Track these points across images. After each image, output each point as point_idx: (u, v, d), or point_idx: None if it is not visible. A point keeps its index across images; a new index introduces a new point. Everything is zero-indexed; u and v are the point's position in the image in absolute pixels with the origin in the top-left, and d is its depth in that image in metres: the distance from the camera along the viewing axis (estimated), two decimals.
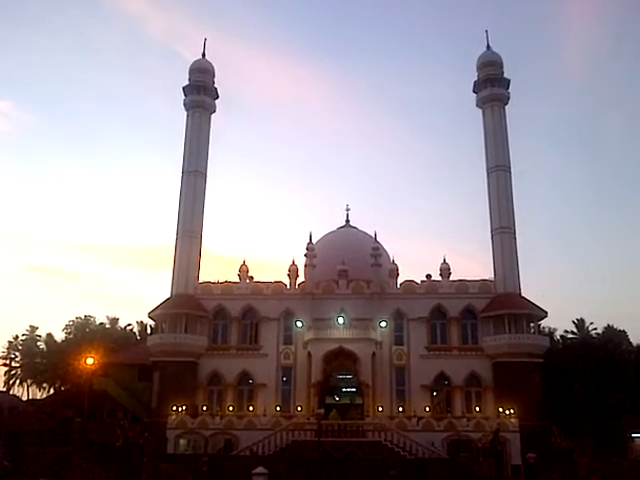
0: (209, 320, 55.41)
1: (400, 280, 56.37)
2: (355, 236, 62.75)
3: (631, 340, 73.45)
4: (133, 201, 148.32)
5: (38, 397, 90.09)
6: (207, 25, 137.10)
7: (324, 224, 72.71)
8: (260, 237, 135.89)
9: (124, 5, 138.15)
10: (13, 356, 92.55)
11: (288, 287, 56.35)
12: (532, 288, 57.52)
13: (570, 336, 76.88)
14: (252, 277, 58.11)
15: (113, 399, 60.05)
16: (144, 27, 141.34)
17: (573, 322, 78.11)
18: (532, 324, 54.02)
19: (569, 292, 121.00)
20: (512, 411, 47.60)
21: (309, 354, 51.21)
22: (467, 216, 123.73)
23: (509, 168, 58.34)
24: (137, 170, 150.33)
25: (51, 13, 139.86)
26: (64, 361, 75.22)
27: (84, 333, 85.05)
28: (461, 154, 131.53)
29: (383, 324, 52.48)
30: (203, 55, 64.10)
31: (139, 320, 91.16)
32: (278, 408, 51.35)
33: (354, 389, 50.84)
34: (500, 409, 48.75)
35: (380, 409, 49.34)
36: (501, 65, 61.19)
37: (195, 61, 63.83)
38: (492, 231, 56.92)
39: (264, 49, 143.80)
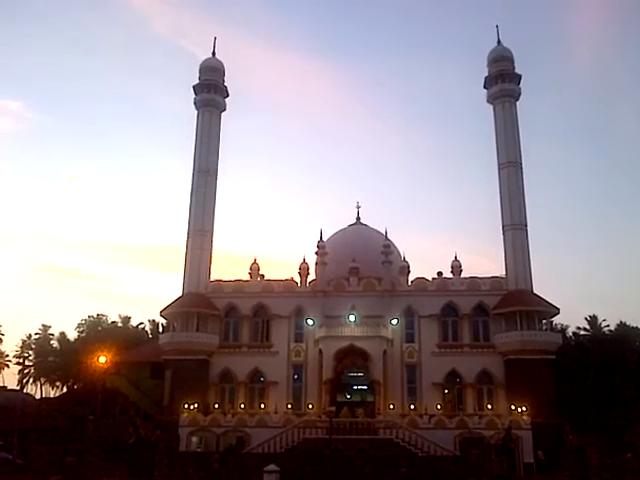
0: (220, 318, 55.54)
1: (411, 277, 56.35)
2: (366, 233, 62.63)
3: None
4: (144, 200, 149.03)
5: (51, 395, 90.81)
6: (215, 22, 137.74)
7: (335, 222, 72.94)
8: (271, 235, 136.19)
9: (132, 3, 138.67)
10: (26, 355, 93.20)
11: (299, 285, 56.35)
12: (544, 285, 57.30)
13: (582, 333, 76.56)
14: (263, 275, 58.12)
15: (125, 397, 60.32)
16: (153, 25, 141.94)
17: (585, 319, 77.85)
18: (544, 321, 53.69)
19: (581, 289, 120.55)
20: (524, 408, 47.34)
21: (320, 352, 51.21)
22: (478, 213, 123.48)
23: (520, 164, 57.99)
24: (148, 169, 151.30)
25: (59, 13, 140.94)
26: (77, 360, 75.67)
27: (96, 332, 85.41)
28: (472, 150, 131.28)
29: (394, 321, 52.34)
30: (213, 54, 64.24)
31: (151, 319, 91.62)
32: (289, 406, 51.43)
33: (365, 387, 50.77)
34: (512, 406, 48.51)
35: (391, 407, 49.27)
36: (512, 60, 60.76)
37: (205, 60, 63.97)
38: (503, 227, 56.62)
39: (272, 46, 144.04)
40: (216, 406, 52.15)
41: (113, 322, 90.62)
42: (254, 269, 58.13)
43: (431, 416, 48.14)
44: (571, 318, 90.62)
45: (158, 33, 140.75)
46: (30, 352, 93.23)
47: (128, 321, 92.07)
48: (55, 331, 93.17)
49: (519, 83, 60.01)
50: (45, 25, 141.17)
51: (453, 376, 52.55)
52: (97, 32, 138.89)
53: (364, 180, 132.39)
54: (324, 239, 57.44)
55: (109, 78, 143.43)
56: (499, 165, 58.39)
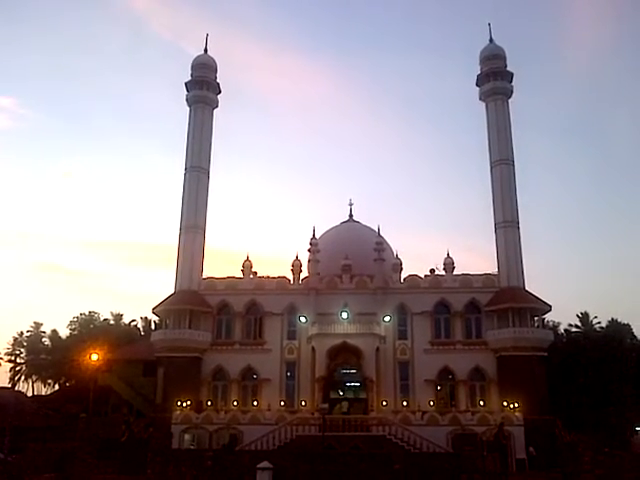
0: (213, 315, 55.45)
1: (404, 275, 56.41)
2: (358, 231, 62.69)
3: (635, 334, 73.47)
4: (137, 197, 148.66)
5: (43, 393, 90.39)
6: (210, 20, 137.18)
7: (327, 219, 72.90)
8: (264, 232, 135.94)
9: (130, 2, 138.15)
10: (18, 352, 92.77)
11: (292, 282, 56.34)
12: (536, 282, 57.41)
13: (574, 330, 76.86)
14: (256, 272, 58.09)
15: (118, 395, 60.22)
16: (148, 23, 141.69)
17: (577, 316, 78.14)
18: (536, 318, 53.96)
19: (573, 286, 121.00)
20: (516, 405, 47.56)
21: (313, 349, 51.24)
22: (471, 210, 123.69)
23: (512, 162, 58.17)
24: (141, 166, 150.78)
25: (55, 10, 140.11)
26: (69, 357, 75.40)
27: (88, 329, 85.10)
28: (464, 148, 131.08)
29: (387, 319, 52.44)
30: (205, 50, 64.07)
31: (143, 316, 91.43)
32: (282, 403, 51.42)
33: (358, 384, 50.85)
34: (504, 403, 48.72)
35: (384, 404, 49.39)
36: (504, 58, 60.93)
37: (197, 56, 63.77)
38: (496, 225, 56.80)
39: (267, 44, 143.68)
40: (209, 403, 52.10)
41: (105, 319, 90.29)
42: (247, 266, 58.07)
43: (424, 413, 48.19)
44: (563, 315, 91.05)
45: (154, 32, 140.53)
46: (22, 350, 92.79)
47: (120, 318, 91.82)
48: (47, 328, 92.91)
49: (511, 81, 60.19)
50: (41, 24, 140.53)
51: (445, 373, 52.69)
52: (93, 30, 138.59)
53: (357, 177, 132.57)
54: (317, 236, 57.47)
55: (103, 76, 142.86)
56: (491, 163, 58.55)
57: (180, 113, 65.68)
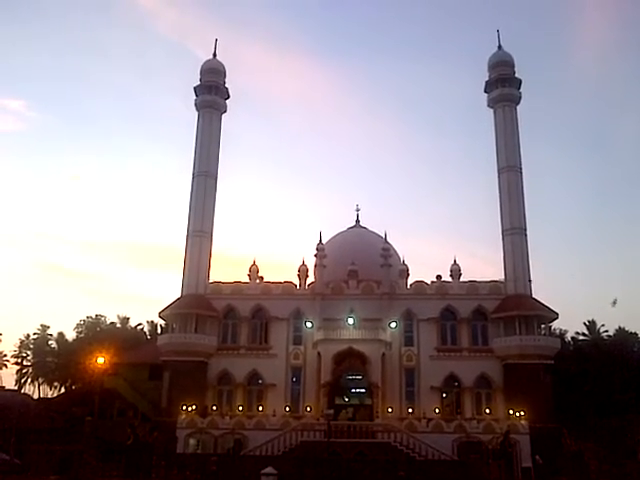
0: (219, 320, 55.51)
1: (410, 281, 56.38)
2: (365, 236, 62.71)
3: None
4: (145, 200, 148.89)
5: (49, 396, 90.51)
6: (216, 24, 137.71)
7: (334, 224, 72.83)
8: (270, 237, 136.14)
9: (136, 3, 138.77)
10: (24, 355, 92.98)
11: (298, 287, 56.35)
12: (543, 289, 57.30)
13: (581, 338, 76.57)
14: (262, 277, 58.07)
15: (123, 398, 60.19)
16: (155, 25, 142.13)
17: (584, 324, 77.83)
18: (543, 326, 53.78)
19: (580, 294, 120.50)
20: (522, 413, 47.32)
21: (319, 354, 51.14)
22: (478, 217, 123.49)
23: (520, 168, 58.10)
24: (150, 169, 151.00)
25: (63, 13, 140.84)
26: (75, 360, 75.51)
27: (95, 332, 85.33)
28: (472, 154, 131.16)
29: (393, 325, 52.34)
30: (214, 55, 64.30)
31: (149, 320, 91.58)
32: (287, 408, 51.42)
33: (364, 390, 50.69)
34: (510, 411, 48.49)
35: (390, 410, 49.24)
36: (513, 65, 60.95)
37: (206, 61, 64.03)
38: (503, 232, 56.67)
39: (273, 48, 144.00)
40: (214, 408, 52.11)
41: (112, 323, 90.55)
42: (253, 271, 58.08)
43: (429, 420, 48.09)
44: (570, 323, 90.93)
45: (161, 34, 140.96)
46: (28, 352, 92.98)
47: (127, 322, 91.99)
48: (54, 331, 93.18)
49: (519, 87, 60.17)
50: (48, 25, 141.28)
51: (451, 380, 52.55)
52: (100, 32, 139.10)
53: (364, 183, 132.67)
54: (323, 241, 57.43)
55: (111, 78, 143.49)
56: (499, 169, 58.49)
57: (188, 114, 66.06)
